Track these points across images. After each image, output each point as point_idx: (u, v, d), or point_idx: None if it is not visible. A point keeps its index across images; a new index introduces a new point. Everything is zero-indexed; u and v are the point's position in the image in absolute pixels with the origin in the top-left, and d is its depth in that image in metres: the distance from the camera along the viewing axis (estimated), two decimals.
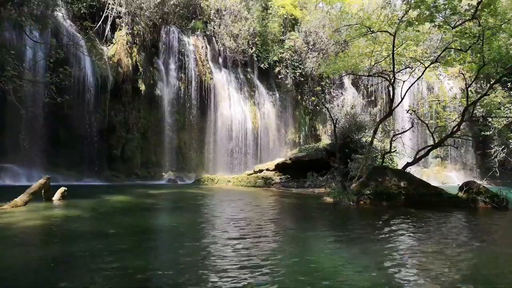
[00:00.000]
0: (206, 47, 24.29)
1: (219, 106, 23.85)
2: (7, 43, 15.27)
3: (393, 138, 14.84)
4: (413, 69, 14.75)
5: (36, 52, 16.71)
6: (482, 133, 21.73)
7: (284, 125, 27.21)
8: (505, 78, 15.57)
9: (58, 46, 16.03)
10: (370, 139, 14.47)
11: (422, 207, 9.86)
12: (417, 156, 13.30)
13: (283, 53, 26.62)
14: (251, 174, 19.40)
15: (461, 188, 11.06)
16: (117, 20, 20.41)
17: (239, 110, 24.45)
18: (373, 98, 28.78)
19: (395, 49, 12.63)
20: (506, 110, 19.26)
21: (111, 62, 19.68)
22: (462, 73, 15.45)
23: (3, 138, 16.21)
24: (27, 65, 15.71)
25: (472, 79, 15.03)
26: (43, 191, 9.23)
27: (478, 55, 11.65)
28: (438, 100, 26.76)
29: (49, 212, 8.09)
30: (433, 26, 12.03)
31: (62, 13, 18.48)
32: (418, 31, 12.67)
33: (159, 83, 21.83)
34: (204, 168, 22.89)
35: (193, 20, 24.48)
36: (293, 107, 27.87)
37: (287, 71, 26.77)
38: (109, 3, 19.88)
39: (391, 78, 13.68)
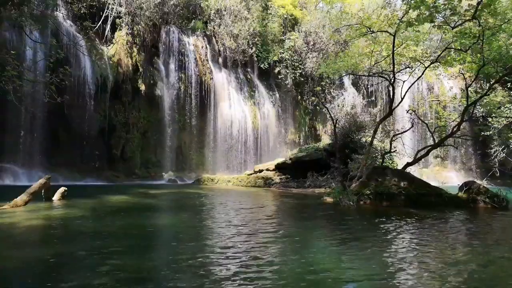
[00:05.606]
0: (206, 47, 24.31)
1: (219, 106, 23.86)
2: (7, 43, 15.29)
3: (393, 138, 14.83)
4: (413, 69, 14.73)
5: (36, 52, 16.73)
6: (482, 133, 21.74)
7: (284, 125, 27.22)
8: (505, 78, 15.57)
9: (58, 46, 16.04)
10: (370, 139, 14.46)
11: (422, 207, 9.85)
12: (417, 156, 13.29)
13: (283, 53, 26.62)
14: (251, 174, 19.40)
15: (461, 188, 11.06)
16: (117, 20, 20.43)
17: (239, 110, 24.46)
18: (373, 98, 28.78)
19: (395, 49, 12.62)
20: (506, 110, 19.27)
21: (111, 62, 19.69)
22: (462, 73, 15.44)
23: (3, 138, 16.22)
24: (27, 65, 15.70)
25: (472, 79, 15.04)
26: (43, 191, 9.23)
27: (478, 55, 11.65)
28: (438, 100, 26.79)
29: (49, 212, 8.09)
30: (433, 26, 12.02)
31: (62, 13, 18.50)
32: (418, 31, 12.66)
33: (159, 83, 21.84)
34: (204, 168, 22.90)
35: (193, 20, 24.49)
36: (293, 107, 27.88)
37: (287, 71, 26.77)
38: (109, 3, 19.90)
39: (391, 78, 13.66)
